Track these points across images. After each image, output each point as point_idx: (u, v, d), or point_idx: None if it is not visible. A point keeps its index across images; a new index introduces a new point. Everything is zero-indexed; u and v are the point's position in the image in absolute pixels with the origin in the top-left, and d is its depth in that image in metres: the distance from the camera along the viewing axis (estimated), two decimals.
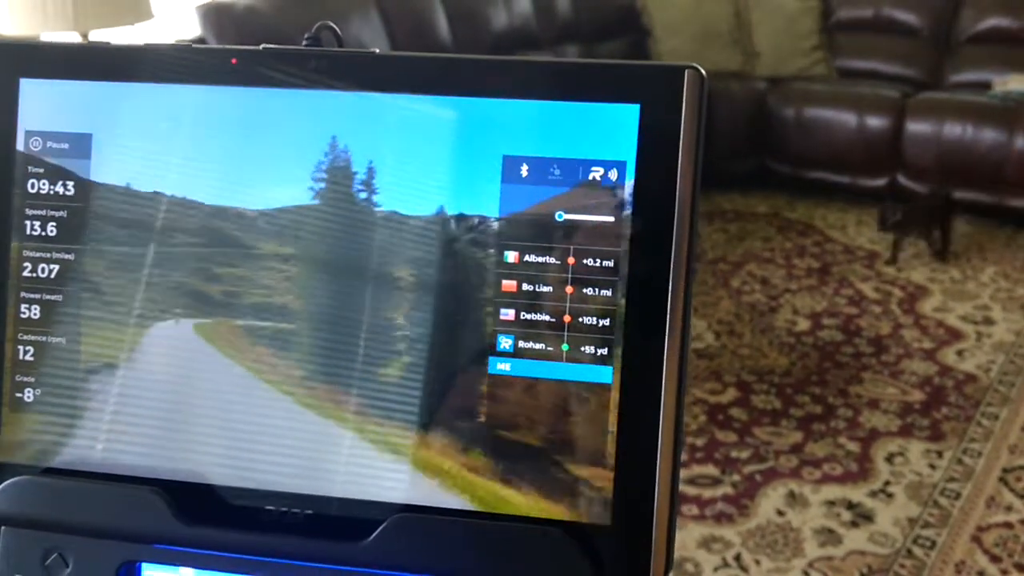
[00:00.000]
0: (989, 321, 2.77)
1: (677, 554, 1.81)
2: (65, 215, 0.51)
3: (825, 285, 3.00)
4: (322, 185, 0.49)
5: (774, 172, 3.80)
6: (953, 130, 3.46)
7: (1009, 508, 1.97)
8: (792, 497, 2.00)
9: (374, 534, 0.47)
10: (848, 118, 3.65)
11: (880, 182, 3.63)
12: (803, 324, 2.74)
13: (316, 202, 0.49)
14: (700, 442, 2.18)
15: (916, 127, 3.53)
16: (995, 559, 1.82)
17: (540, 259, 0.47)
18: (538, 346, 0.47)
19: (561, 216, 0.47)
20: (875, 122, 3.60)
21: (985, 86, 3.66)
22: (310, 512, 0.49)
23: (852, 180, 3.68)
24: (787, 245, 3.32)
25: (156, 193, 0.50)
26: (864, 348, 2.61)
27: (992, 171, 3.40)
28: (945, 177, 3.46)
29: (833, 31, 4.02)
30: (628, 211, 0.47)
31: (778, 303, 2.88)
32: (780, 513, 1.95)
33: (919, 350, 2.60)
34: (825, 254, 3.24)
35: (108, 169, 0.50)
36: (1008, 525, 1.92)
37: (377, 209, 0.48)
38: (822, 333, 2.69)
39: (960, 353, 2.59)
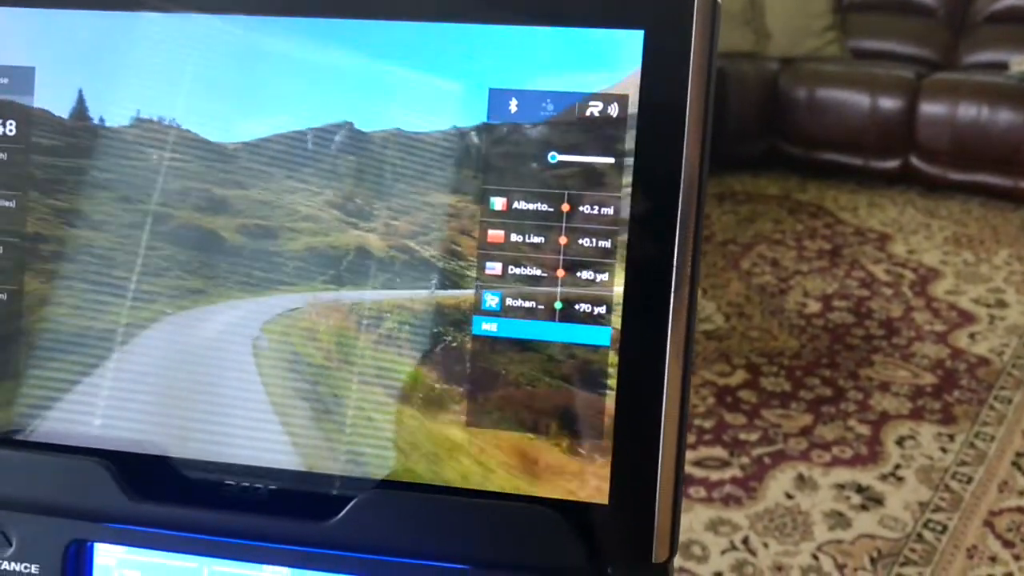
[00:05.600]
0: (1002, 304, 2.72)
1: (684, 536, 1.79)
2: (5, 157, 0.46)
3: (836, 267, 2.95)
4: (292, 118, 0.44)
5: (785, 153, 3.75)
6: (968, 111, 3.40)
7: (1022, 493, 1.93)
8: (801, 480, 1.96)
9: (343, 512, 0.42)
10: (861, 99, 3.59)
11: (893, 164, 3.58)
12: (813, 306, 2.70)
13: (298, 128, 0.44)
14: (708, 424, 2.14)
15: (930, 108, 3.48)
16: (1008, 544, 1.79)
17: (531, 206, 0.42)
18: (528, 304, 0.42)
19: (554, 157, 0.42)
20: (888, 103, 3.55)
21: (1001, 67, 3.60)
22: (273, 487, 0.44)
23: (864, 162, 3.63)
24: (798, 227, 3.28)
25: (110, 130, 0.45)
26: (875, 331, 2.57)
27: (1007, 153, 3.35)
28: (959, 159, 3.42)
29: (847, 11, 3.97)
30: (630, 151, 0.41)
31: (788, 285, 2.84)
32: (789, 496, 1.91)
33: (931, 333, 2.56)
34: (836, 236, 3.20)
35: (54, 106, 0.45)
36: (1021, 510, 1.88)
37: (346, 148, 0.44)
38: (832, 315, 2.65)
39: (973, 336, 2.54)
